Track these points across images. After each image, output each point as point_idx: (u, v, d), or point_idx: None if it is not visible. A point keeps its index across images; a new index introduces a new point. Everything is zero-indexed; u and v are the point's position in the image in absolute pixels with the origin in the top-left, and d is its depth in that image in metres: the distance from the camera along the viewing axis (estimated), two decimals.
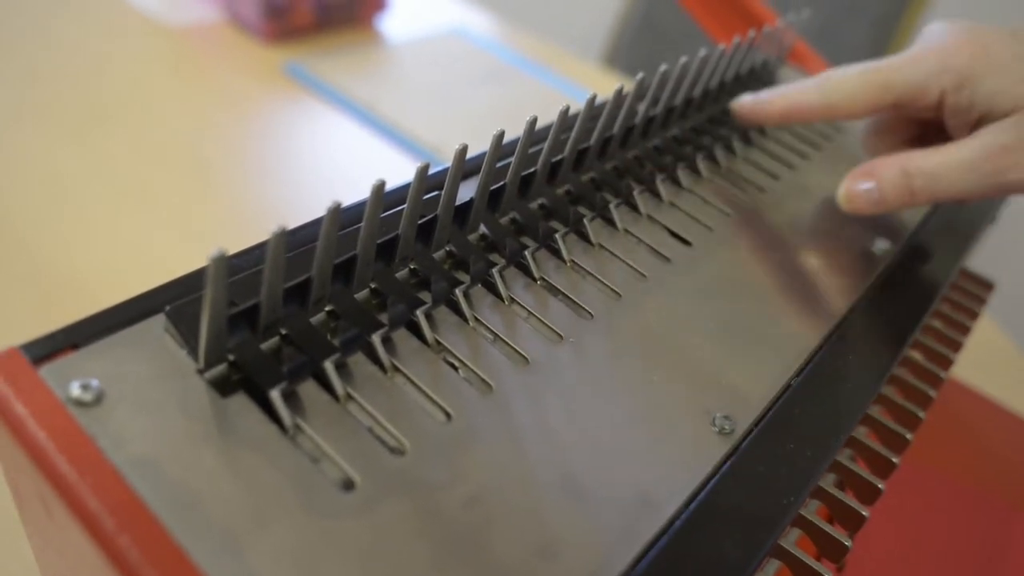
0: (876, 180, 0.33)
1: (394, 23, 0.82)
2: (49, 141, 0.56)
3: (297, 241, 0.24)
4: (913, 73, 0.33)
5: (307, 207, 0.21)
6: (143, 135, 0.59)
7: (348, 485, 0.19)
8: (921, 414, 0.28)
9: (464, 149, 0.24)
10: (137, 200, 0.53)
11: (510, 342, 0.24)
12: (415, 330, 0.24)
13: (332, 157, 0.62)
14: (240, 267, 0.23)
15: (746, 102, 0.37)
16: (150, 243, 0.50)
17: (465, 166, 0.28)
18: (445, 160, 0.23)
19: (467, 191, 0.27)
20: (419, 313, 0.24)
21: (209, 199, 0.55)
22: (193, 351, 0.21)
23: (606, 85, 0.79)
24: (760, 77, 0.43)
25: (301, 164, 0.60)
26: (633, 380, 0.24)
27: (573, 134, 0.29)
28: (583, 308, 0.26)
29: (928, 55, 0.33)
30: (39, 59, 0.65)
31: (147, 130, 0.60)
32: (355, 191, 0.25)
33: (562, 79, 0.78)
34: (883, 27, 1.14)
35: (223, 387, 0.20)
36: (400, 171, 0.60)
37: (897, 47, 1.14)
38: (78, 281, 0.46)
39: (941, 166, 0.32)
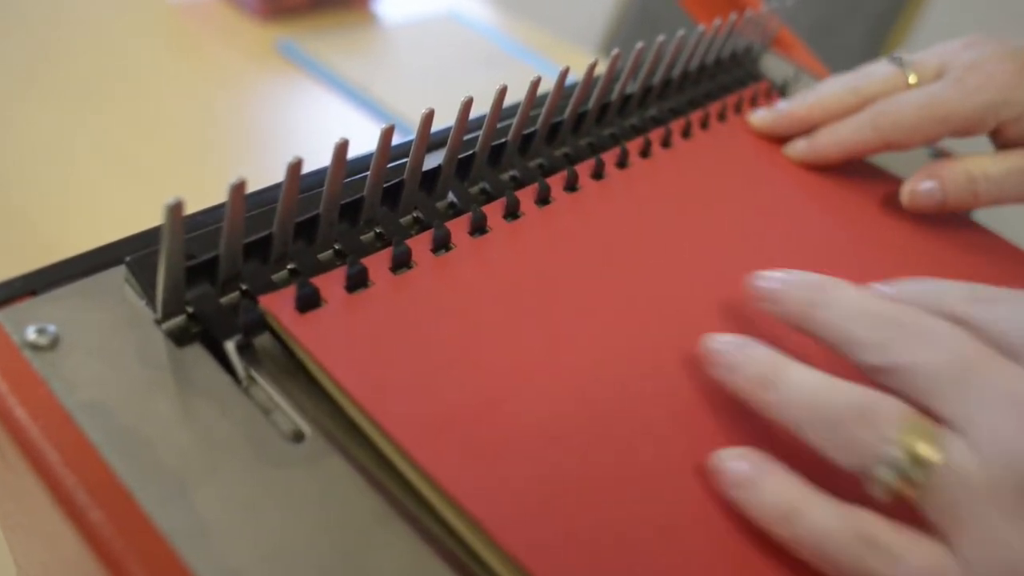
0: (940, 181, 0.34)
1: (389, 5, 0.82)
2: (39, 111, 0.56)
3: (263, 200, 0.25)
4: (972, 107, 0.33)
5: None
6: (134, 108, 0.59)
7: (298, 437, 0.20)
8: None
9: (431, 113, 0.24)
10: (127, 172, 0.53)
11: None
12: None
13: (323, 136, 0.62)
14: (204, 223, 0.23)
15: (799, 148, 0.37)
16: (138, 214, 0.49)
17: (440, 136, 0.28)
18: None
19: (439, 158, 0.27)
20: None
21: (198, 174, 0.55)
22: (152, 302, 0.21)
23: None
24: (743, 63, 0.43)
25: (291, 142, 0.60)
26: None
27: (545, 107, 0.30)
28: None
29: (986, 86, 0.33)
30: (32, 31, 0.65)
31: (138, 103, 0.60)
32: None
33: (556, 67, 0.78)
34: (881, 24, 1.14)
35: (180, 338, 0.21)
36: None
37: (895, 45, 1.14)
38: (65, 246, 0.46)
39: (1007, 173, 0.33)
